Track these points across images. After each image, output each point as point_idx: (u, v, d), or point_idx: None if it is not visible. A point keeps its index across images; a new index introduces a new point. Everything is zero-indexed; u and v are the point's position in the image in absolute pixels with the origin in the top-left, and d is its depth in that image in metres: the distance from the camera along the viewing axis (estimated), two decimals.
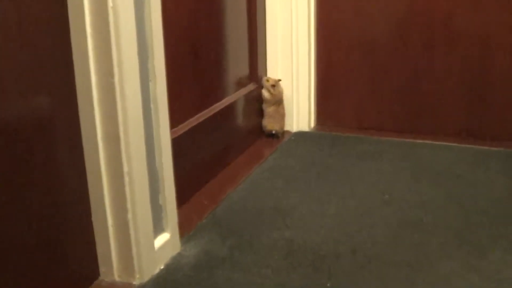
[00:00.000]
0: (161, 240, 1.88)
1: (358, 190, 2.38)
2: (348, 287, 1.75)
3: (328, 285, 1.76)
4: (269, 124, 2.96)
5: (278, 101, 2.96)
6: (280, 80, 2.94)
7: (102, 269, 1.81)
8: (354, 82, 3.07)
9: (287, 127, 3.06)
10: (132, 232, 1.74)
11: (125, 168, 1.68)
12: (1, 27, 1.40)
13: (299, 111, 3.07)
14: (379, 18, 2.94)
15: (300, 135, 3.03)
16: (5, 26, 1.41)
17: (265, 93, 2.93)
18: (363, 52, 3.01)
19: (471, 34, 2.81)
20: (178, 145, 2.05)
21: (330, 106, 3.14)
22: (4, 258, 1.47)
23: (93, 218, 1.75)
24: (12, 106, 1.46)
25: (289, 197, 2.33)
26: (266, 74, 2.98)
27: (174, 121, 2.01)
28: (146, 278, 1.80)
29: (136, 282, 1.79)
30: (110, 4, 1.55)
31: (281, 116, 3.00)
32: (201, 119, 2.40)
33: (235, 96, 2.71)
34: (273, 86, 2.89)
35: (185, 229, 2.05)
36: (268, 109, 2.95)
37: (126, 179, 1.69)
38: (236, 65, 2.76)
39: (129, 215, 1.73)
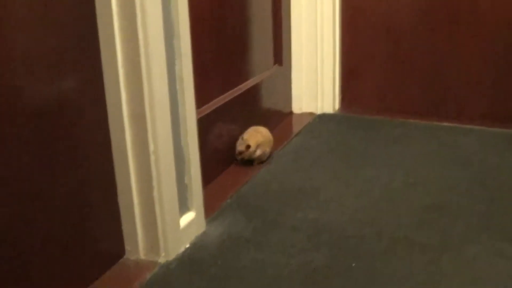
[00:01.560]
0: (186, 219, 1.89)
1: (382, 172, 2.37)
2: (373, 269, 1.74)
3: (353, 265, 1.76)
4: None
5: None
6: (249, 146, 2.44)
7: (127, 247, 1.82)
8: (379, 64, 3.05)
9: (311, 109, 3.06)
10: (158, 210, 1.75)
11: (151, 147, 1.69)
12: (28, 9, 1.40)
13: (324, 93, 3.06)
14: (404, 0, 2.92)
15: (324, 117, 3.02)
16: (32, 7, 1.41)
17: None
18: (388, 34, 2.99)
19: (497, 17, 2.78)
20: (203, 125, 2.05)
21: (354, 89, 3.13)
22: (29, 236, 1.48)
23: (119, 197, 1.76)
24: (39, 87, 1.46)
25: (314, 178, 2.33)
26: (290, 56, 2.97)
27: (200, 101, 2.01)
28: (171, 256, 1.81)
29: (161, 260, 1.80)
30: None
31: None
32: (226, 100, 2.40)
33: (259, 78, 2.71)
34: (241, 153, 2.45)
35: (210, 208, 2.05)
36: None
37: (152, 157, 1.70)
38: (261, 46, 2.76)
39: (155, 194, 1.73)
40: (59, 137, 1.53)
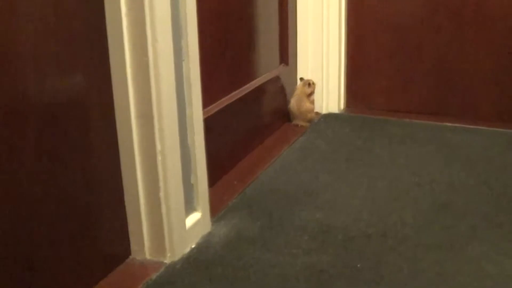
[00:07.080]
0: (192, 219, 1.89)
1: (388, 172, 2.37)
2: (378, 269, 1.75)
3: (359, 266, 1.76)
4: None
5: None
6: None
7: (133, 247, 1.82)
8: (384, 64, 3.05)
9: (317, 109, 3.04)
10: (164, 211, 1.76)
11: (158, 147, 1.69)
12: (37, 9, 1.41)
13: (329, 93, 3.06)
14: (410, 0, 2.92)
15: (330, 117, 3.03)
16: (41, 7, 1.42)
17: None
18: (393, 34, 2.99)
19: (503, 15, 2.78)
20: (209, 125, 2.05)
21: (359, 88, 3.13)
22: (36, 236, 1.48)
23: (126, 197, 1.77)
24: (48, 86, 1.47)
25: (319, 178, 2.33)
26: (296, 55, 2.98)
27: (206, 101, 2.01)
28: (177, 257, 1.81)
29: (167, 260, 1.80)
30: None
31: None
32: (232, 100, 2.40)
33: (265, 78, 2.71)
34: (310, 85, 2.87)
35: (216, 209, 2.06)
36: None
37: (159, 157, 1.70)
38: (267, 46, 2.76)
39: (161, 194, 1.74)
40: (66, 136, 1.54)
